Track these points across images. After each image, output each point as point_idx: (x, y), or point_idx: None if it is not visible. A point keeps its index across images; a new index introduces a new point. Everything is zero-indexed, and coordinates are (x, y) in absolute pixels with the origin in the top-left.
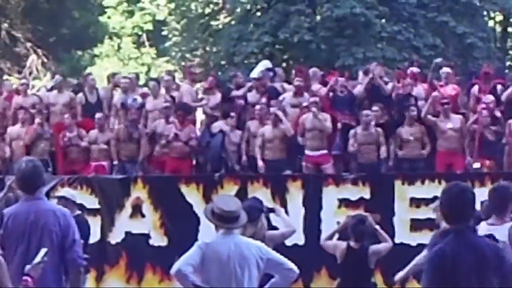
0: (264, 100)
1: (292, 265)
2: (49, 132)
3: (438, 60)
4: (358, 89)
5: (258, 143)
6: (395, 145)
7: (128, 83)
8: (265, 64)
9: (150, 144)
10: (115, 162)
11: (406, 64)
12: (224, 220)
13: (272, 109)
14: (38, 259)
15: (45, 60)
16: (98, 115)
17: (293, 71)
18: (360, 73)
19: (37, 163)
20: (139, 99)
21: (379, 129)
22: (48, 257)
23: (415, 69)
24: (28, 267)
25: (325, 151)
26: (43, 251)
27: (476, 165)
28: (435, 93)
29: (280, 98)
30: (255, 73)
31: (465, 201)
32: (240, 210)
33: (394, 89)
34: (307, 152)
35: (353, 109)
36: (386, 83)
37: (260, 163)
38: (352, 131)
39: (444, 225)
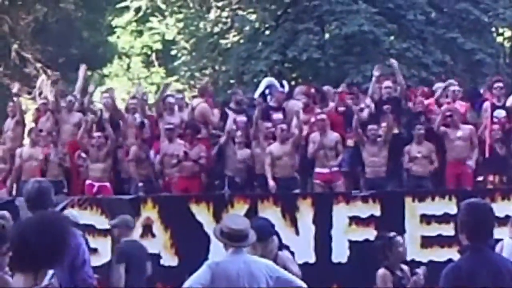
0: (280, 115)
1: (301, 283)
2: (61, 152)
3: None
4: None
5: (267, 161)
6: (403, 162)
7: (135, 103)
8: (267, 81)
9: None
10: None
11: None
12: (232, 238)
13: (282, 126)
14: (45, 282)
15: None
16: (96, 133)
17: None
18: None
19: (44, 184)
20: (144, 120)
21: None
22: (58, 278)
23: (456, 88)
24: None
25: (335, 169)
26: (49, 273)
27: (480, 178)
28: (444, 107)
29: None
30: (257, 93)
31: (485, 219)
32: (248, 229)
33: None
34: (317, 169)
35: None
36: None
37: (271, 182)
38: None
39: None
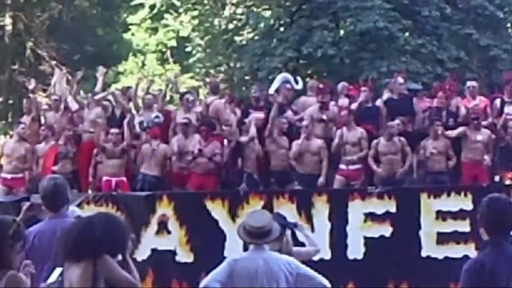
0: (290, 113)
1: (323, 280)
2: (72, 151)
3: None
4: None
5: (291, 156)
6: (419, 158)
7: (151, 99)
8: (283, 77)
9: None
10: None
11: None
12: (252, 236)
13: (304, 122)
14: (53, 278)
15: (70, 77)
16: (113, 130)
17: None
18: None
19: (59, 181)
20: (161, 116)
21: (403, 139)
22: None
23: (473, 84)
24: (42, 285)
25: (359, 166)
26: (58, 270)
27: (496, 178)
28: (471, 107)
29: (308, 112)
30: (273, 89)
31: (506, 214)
32: (270, 225)
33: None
34: (340, 165)
35: (377, 121)
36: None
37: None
38: (374, 141)
39: None
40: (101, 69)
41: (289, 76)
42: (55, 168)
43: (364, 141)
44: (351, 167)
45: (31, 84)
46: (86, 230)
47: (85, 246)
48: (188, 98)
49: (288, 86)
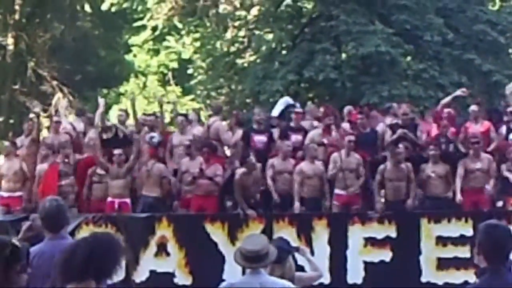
0: (299, 137)
1: None
2: (72, 169)
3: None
4: (381, 127)
5: (297, 180)
6: (417, 183)
7: (153, 121)
8: (286, 101)
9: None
10: None
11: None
12: (248, 260)
13: (311, 145)
14: None
15: (71, 98)
16: (117, 151)
17: (321, 109)
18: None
19: (61, 202)
20: (157, 136)
21: (409, 165)
22: None
23: (475, 108)
24: None
25: (356, 191)
26: None
27: (500, 203)
28: (472, 133)
29: (310, 135)
30: (276, 112)
31: (504, 241)
32: (266, 248)
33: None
34: (336, 191)
35: (376, 146)
36: (413, 119)
37: (296, 204)
38: (381, 167)
39: None
40: (101, 101)
41: (290, 99)
42: (60, 183)
43: (361, 167)
44: (349, 193)
45: (36, 107)
46: (91, 255)
47: (69, 271)
48: (182, 121)
49: (297, 109)
